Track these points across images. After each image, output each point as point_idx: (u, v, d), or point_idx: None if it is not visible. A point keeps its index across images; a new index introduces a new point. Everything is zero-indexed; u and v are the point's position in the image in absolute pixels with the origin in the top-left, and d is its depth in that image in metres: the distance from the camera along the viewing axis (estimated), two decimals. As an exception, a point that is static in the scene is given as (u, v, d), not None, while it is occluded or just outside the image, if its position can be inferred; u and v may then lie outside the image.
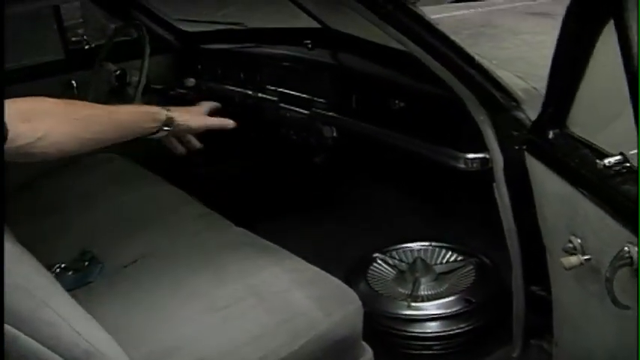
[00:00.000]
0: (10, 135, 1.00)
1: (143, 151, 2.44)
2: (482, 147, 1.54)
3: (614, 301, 1.04)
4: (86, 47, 2.59)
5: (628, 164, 1.08)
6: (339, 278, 1.55)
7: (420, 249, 2.12)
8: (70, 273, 1.63)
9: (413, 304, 1.87)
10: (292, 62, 2.24)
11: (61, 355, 1.03)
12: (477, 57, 1.44)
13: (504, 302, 1.67)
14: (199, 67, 2.62)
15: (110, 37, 2.50)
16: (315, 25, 2.28)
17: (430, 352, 1.84)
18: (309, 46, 2.18)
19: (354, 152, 2.38)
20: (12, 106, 1.04)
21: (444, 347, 1.83)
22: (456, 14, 2.57)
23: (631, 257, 1.01)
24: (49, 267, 1.44)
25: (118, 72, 2.34)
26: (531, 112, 1.43)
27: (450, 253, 2.09)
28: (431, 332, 1.83)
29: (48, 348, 1.02)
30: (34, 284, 1.04)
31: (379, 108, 1.91)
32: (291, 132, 2.37)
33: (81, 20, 2.78)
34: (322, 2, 2.18)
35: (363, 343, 1.52)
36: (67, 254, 1.68)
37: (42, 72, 2.46)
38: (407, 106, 1.85)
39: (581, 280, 1.24)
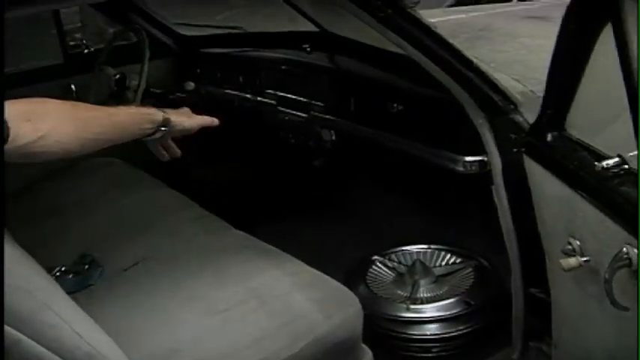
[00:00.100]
0: (12, 134, 1.01)
1: (142, 155, 2.45)
2: (480, 150, 1.54)
3: (614, 303, 1.05)
4: (85, 51, 2.59)
5: (626, 166, 1.08)
6: (339, 281, 1.55)
7: (419, 251, 2.13)
8: (70, 276, 1.63)
9: (412, 306, 1.88)
10: (291, 66, 2.25)
11: (62, 358, 1.03)
12: (475, 60, 1.45)
13: (503, 304, 1.68)
14: (198, 71, 2.62)
15: (110, 41, 2.50)
16: (313, 28, 2.29)
17: (429, 354, 1.84)
18: (308, 49, 2.19)
19: (352, 155, 2.39)
20: (14, 106, 1.04)
21: (444, 349, 1.84)
22: (454, 18, 2.58)
23: (630, 258, 1.02)
24: (49, 270, 1.45)
25: (118, 76, 2.34)
26: (529, 114, 1.44)
27: (449, 255, 2.10)
28: (430, 334, 1.84)
29: (50, 350, 1.02)
30: (35, 286, 1.05)
31: (378, 111, 1.92)
32: (290, 135, 2.37)
33: (79, 24, 2.79)
34: (321, 6, 2.19)
35: (363, 345, 1.53)
36: (67, 257, 1.68)
37: (41, 76, 2.46)
38: (405, 109, 1.85)
39: (580, 282, 1.24)
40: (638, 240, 0.99)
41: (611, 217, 1.09)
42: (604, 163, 1.10)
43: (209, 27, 2.76)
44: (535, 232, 1.41)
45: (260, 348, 1.35)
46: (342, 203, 2.64)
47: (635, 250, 1.01)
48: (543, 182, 1.33)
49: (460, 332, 1.83)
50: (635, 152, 1.05)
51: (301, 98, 2.19)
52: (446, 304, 1.87)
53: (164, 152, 1.48)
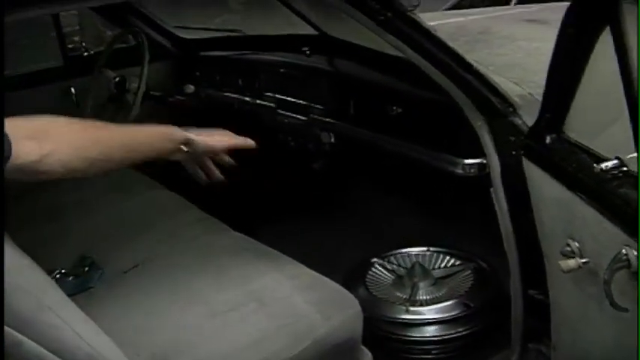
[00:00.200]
0: (14, 152, 0.99)
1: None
2: (479, 152, 1.55)
3: (613, 304, 1.06)
4: (85, 54, 2.60)
5: (625, 168, 1.09)
6: (338, 283, 1.56)
7: (418, 254, 2.14)
8: (70, 278, 1.63)
9: (411, 308, 1.88)
10: (290, 69, 2.25)
11: (63, 359, 1.03)
12: (474, 63, 1.46)
13: (502, 306, 1.68)
14: (198, 74, 2.63)
15: (109, 44, 2.51)
16: (312, 32, 2.29)
17: (429, 356, 1.85)
18: (307, 52, 2.20)
19: (352, 158, 2.39)
20: (18, 124, 1.03)
21: (443, 351, 1.84)
22: (453, 21, 2.58)
23: (629, 260, 1.02)
24: (49, 272, 1.44)
25: (117, 79, 2.35)
26: (528, 117, 1.44)
27: (448, 257, 2.10)
28: (429, 336, 1.84)
29: (51, 351, 1.02)
30: (37, 288, 1.05)
31: (377, 114, 1.92)
32: (289, 138, 2.38)
33: (78, 27, 2.79)
34: (320, 9, 2.20)
35: (363, 347, 1.53)
36: (66, 260, 1.68)
37: (41, 79, 2.47)
38: (404, 112, 1.86)
39: (579, 283, 1.25)
40: (638, 242, 0.99)
41: (609, 218, 1.10)
42: (602, 165, 1.11)
43: (208, 30, 2.77)
44: (534, 234, 1.42)
45: (260, 349, 1.35)
46: (342, 206, 2.64)
47: (634, 252, 1.02)
48: (542, 184, 1.34)
49: (459, 334, 1.84)
50: (634, 154, 1.05)
51: (300, 101, 2.19)
52: (445, 306, 1.88)
53: (202, 174, 1.43)
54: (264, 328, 1.39)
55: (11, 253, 1.07)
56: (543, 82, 1.31)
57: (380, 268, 2.09)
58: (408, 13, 1.41)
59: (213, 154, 1.43)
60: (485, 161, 1.55)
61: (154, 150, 1.30)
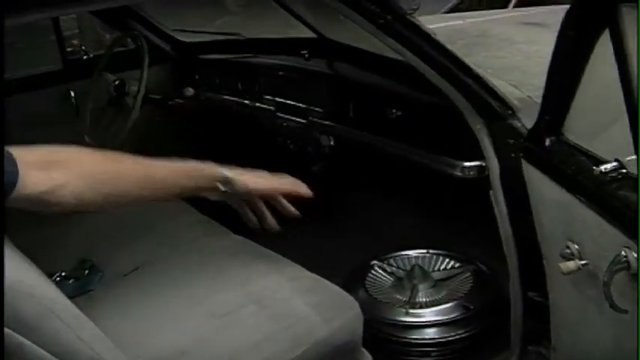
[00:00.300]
0: (21, 181, 0.97)
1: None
2: (478, 155, 1.56)
3: (612, 306, 1.06)
4: (85, 57, 2.60)
5: (624, 170, 1.10)
6: (338, 285, 1.56)
7: (418, 256, 2.14)
8: (70, 281, 1.63)
9: (411, 310, 1.88)
10: (289, 72, 2.26)
11: (65, 362, 1.04)
12: (473, 66, 1.47)
13: (502, 308, 1.69)
14: (197, 77, 2.63)
15: (109, 47, 2.52)
16: (311, 35, 2.30)
17: (429, 358, 1.85)
18: (306, 55, 2.20)
19: (351, 161, 2.40)
20: (32, 152, 1.01)
21: (443, 353, 1.84)
22: (451, 24, 2.59)
23: (628, 261, 1.03)
24: (49, 275, 1.44)
25: (117, 82, 2.35)
26: (527, 120, 1.45)
27: (447, 260, 2.10)
28: (429, 338, 1.84)
29: (52, 354, 1.02)
30: (40, 292, 1.05)
31: (376, 117, 1.93)
32: (289, 141, 2.38)
33: (77, 31, 2.80)
34: (318, 12, 2.21)
35: (363, 349, 1.53)
36: (66, 263, 1.68)
37: (40, 82, 2.47)
38: (404, 115, 1.86)
39: (579, 285, 1.25)
40: (638, 244, 1.00)
41: (609, 220, 1.10)
42: (602, 168, 1.12)
43: (207, 33, 2.78)
44: (533, 236, 1.42)
45: (260, 352, 1.35)
46: (341, 208, 2.64)
47: (634, 254, 1.02)
48: (542, 187, 1.34)
49: (459, 336, 1.84)
50: (633, 157, 1.06)
51: (300, 104, 2.20)
52: (445, 308, 1.88)
53: (253, 218, 1.35)
54: (264, 330, 1.39)
55: (11, 255, 1.07)
56: (542, 85, 1.32)
57: (379, 271, 2.10)
58: (408, 17, 1.42)
59: (259, 197, 1.35)
60: (484, 164, 1.56)
61: (181, 187, 1.23)
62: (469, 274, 2.01)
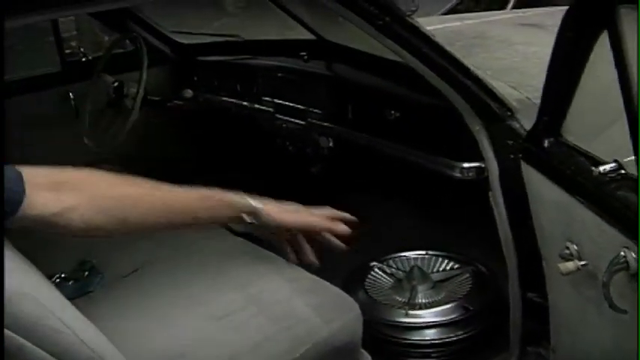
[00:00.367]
0: (27, 201, 0.95)
1: (143, 163, 2.45)
2: (477, 156, 1.56)
3: (612, 306, 1.06)
4: (83, 59, 2.60)
5: (623, 171, 1.10)
6: (337, 287, 1.56)
7: (417, 257, 2.14)
8: (70, 283, 1.63)
9: (410, 311, 1.88)
10: (288, 73, 2.26)
11: (65, 363, 1.04)
12: (471, 68, 1.47)
13: (501, 309, 1.69)
14: (196, 78, 2.64)
15: (107, 49, 2.52)
16: (310, 36, 2.30)
17: (428, 359, 1.85)
18: (305, 57, 2.20)
19: (350, 162, 2.40)
20: (41, 173, 0.99)
21: (442, 354, 1.84)
22: (450, 26, 2.60)
23: (627, 262, 1.03)
24: (48, 277, 1.44)
25: (116, 84, 2.36)
26: (526, 121, 1.45)
27: (446, 261, 2.11)
28: (429, 339, 1.84)
29: (52, 355, 1.02)
30: (40, 293, 1.05)
31: (375, 118, 1.93)
32: (288, 143, 2.39)
33: (75, 32, 2.80)
34: (317, 14, 2.21)
35: (362, 350, 1.54)
36: (66, 264, 1.68)
37: (39, 84, 2.47)
38: (403, 117, 1.87)
39: (578, 286, 1.26)
40: (638, 244, 1.00)
41: (608, 221, 1.10)
42: (601, 169, 1.12)
43: (206, 35, 2.78)
44: (532, 237, 1.42)
45: (260, 353, 1.35)
46: (340, 209, 2.64)
47: (633, 254, 1.03)
48: (541, 188, 1.34)
49: (458, 337, 1.84)
50: (632, 157, 1.06)
51: (299, 105, 2.20)
52: (444, 309, 1.88)
53: (289, 251, 1.30)
54: (264, 331, 1.39)
55: (11, 256, 1.07)
56: (541, 86, 1.32)
57: (379, 272, 2.10)
58: (407, 18, 1.42)
59: (282, 230, 1.28)
60: (483, 165, 1.56)
61: (202, 217, 1.17)
62: (468, 275, 2.01)
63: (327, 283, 1.54)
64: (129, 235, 1.14)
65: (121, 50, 2.61)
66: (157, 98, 2.47)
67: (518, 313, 1.61)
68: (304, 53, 2.20)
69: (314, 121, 2.14)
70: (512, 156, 1.46)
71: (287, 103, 2.25)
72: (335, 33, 2.19)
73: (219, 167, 2.72)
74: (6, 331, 0.96)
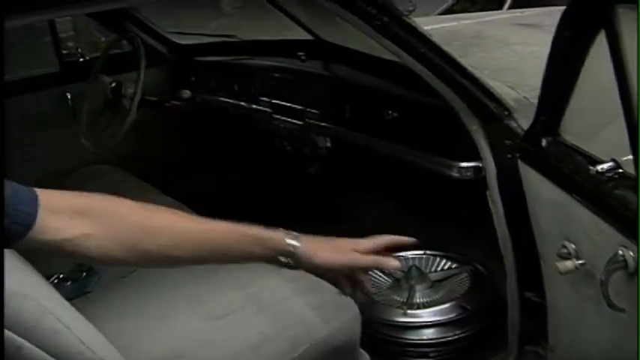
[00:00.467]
0: (37, 224, 0.90)
1: (141, 163, 2.46)
2: (475, 156, 1.56)
3: (610, 304, 1.07)
4: (81, 60, 2.60)
5: (620, 170, 1.10)
6: (336, 287, 1.56)
7: (415, 257, 2.13)
8: (68, 283, 1.64)
9: (409, 311, 1.89)
10: (285, 74, 2.26)
11: (64, 364, 1.04)
12: (469, 67, 1.47)
13: (499, 309, 1.69)
14: (193, 79, 2.64)
15: (105, 49, 2.52)
16: (308, 37, 2.30)
17: (426, 359, 1.85)
18: (302, 57, 2.20)
19: (348, 162, 2.40)
20: (65, 198, 0.95)
21: (440, 354, 1.85)
22: (446, 26, 2.60)
23: (625, 260, 1.03)
24: (47, 277, 1.45)
25: (113, 84, 2.35)
26: (523, 121, 1.46)
27: (444, 261, 2.11)
28: (427, 339, 1.85)
29: (52, 356, 1.03)
30: (39, 294, 1.05)
31: (373, 118, 1.93)
32: (285, 143, 2.39)
33: (72, 33, 2.80)
34: (314, 14, 2.21)
35: (361, 350, 1.54)
36: (64, 265, 1.69)
37: (37, 84, 2.47)
38: (400, 116, 1.87)
39: (576, 285, 1.26)
40: (636, 243, 1.00)
41: (606, 220, 1.11)
42: (599, 168, 1.12)
43: (203, 35, 2.78)
44: (530, 236, 1.43)
45: (259, 353, 1.36)
46: (338, 209, 2.65)
47: (631, 253, 1.03)
48: (538, 187, 1.35)
49: (456, 337, 1.84)
50: (629, 156, 1.07)
51: (296, 106, 2.20)
52: (442, 308, 1.88)
53: (345, 286, 1.18)
54: (263, 331, 1.40)
55: (11, 257, 1.07)
56: (538, 86, 1.32)
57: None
58: (404, 18, 1.42)
59: (325, 271, 1.17)
60: (480, 164, 1.56)
61: (231, 254, 1.08)
62: (466, 274, 2.02)
63: (327, 283, 1.54)
64: (143, 267, 1.08)
65: (119, 51, 2.61)
66: (154, 99, 2.47)
67: (516, 312, 1.61)
68: (302, 53, 2.20)
69: (312, 121, 2.14)
70: (509, 155, 1.46)
71: (285, 103, 2.25)
72: (332, 33, 2.19)
73: (217, 167, 2.73)
74: (5, 331, 0.96)
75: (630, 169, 1.08)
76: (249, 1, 2.89)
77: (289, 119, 2.23)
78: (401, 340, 1.86)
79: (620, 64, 1.03)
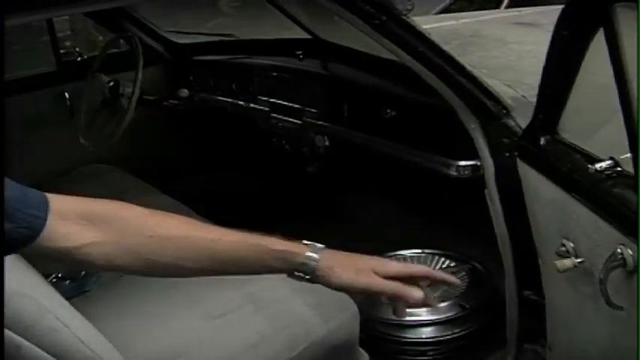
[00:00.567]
0: (46, 231, 0.88)
1: (139, 162, 2.45)
2: (473, 154, 1.56)
3: (609, 302, 1.07)
4: (79, 59, 2.60)
5: (619, 168, 1.11)
6: (335, 286, 1.56)
7: (413, 256, 2.14)
8: (66, 282, 1.64)
9: (407, 310, 1.88)
10: (283, 73, 2.26)
11: (63, 363, 1.04)
12: (467, 66, 1.47)
13: (498, 307, 1.70)
14: (191, 78, 2.64)
15: (103, 48, 2.52)
16: (305, 35, 2.30)
17: (425, 357, 1.86)
18: (300, 56, 2.20)
19: (346, 161, 2.40)
20: (75, 203, 0.93)
21: (439, 352, 1.85)
22: (445, 25, 2.60)
23: (624, 258, 1.04)
24: (45, 276, 1.45)
25: (111, 83, 2.35)
26: (521, 119, 1.46)
27: (442, 259, 2.11)
28: (425, 337, 1.85)
29: (51, 355, 1.03)
30: (38, 293, 1.05)
31: (371, 117, 1.93)
32: (284, 142, 2.39)
33: (69, 32, 2.80)
34: (313, 13, 2.21)
35: (360, 348, 1.54)
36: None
37: (35, 84, 2.47)
38: (399, 115, 1.87)
39: (575, 283, 1.26)
40: (636, 242, 1.01)
41: (604, 218, 1.11)
42: (597, 166, 1.12)
43: (201, 34, 2.78)
44: (528, 234, 1.43)
45: (258, 352, 1.36)
46: (337, 209, 2.65)
47: (629, 251, 1.03)
48: (537, 185, 1.35)
49: (455, 335, 1.85)
50: (628, 154, 1.07)
51: (294, 105, 2.20)
52: (440, 307, 1.88)
53: (383, 299, 1.10)
54: (261, 330, 1.40)
55: (10, 257, 1.07)
56: (536, 84, 1.32)
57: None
58: (403, 17, 1.42)
59: (346, 291, 1.12)
60: (479, 163, 1.56)
61: (247, 266, 1.03)
62: (465, 273, 2.02)
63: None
64: (154, 276, 1.06)
65: (116, 50, 2.60)
66: (152, 98, 2.47)
67: (514, 310, 1.61)
68: (300, 52, 2.20)
69: (310, 120, 2.14)
70: (508, 154, 1.46)
71: (283, 102, 2.25)
72: (330, 32, 2.19)
73: (216, 166, 2.73)
74: (5, 330, 0.96)
75: (629, 168, 1.08)
76: (246, 0, 2.89)
77: (287, 118, 2.23)
78: (399, 339, 1.86)
79: (618, 62, 1.03)
